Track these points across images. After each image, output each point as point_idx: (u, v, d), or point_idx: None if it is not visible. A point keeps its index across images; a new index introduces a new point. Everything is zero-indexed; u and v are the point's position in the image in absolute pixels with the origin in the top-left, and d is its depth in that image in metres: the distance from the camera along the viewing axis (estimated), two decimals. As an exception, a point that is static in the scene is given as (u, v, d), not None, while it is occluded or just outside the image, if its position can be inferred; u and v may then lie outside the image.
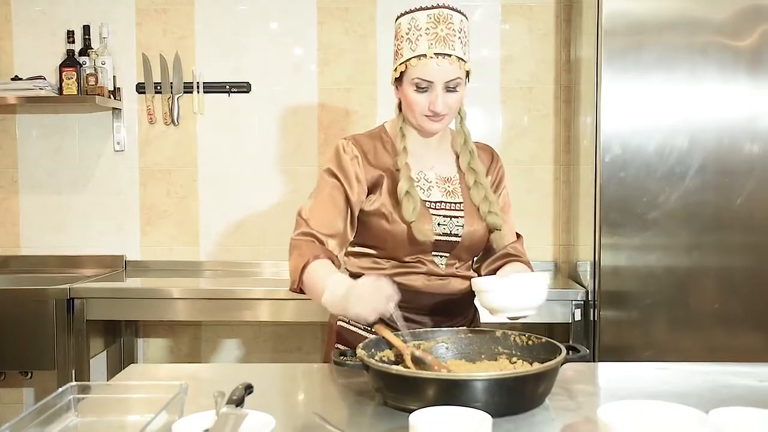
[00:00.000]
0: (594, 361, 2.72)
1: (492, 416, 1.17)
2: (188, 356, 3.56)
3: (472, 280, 1.68)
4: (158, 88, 3.43)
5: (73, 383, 1.35)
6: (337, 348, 1.82)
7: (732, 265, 2.77)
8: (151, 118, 3.45)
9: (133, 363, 3.35)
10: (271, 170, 3.47)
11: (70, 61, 3.30)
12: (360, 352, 1.48)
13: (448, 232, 1.82)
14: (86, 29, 3.38)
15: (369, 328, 1.80)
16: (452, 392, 1.31)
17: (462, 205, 1.85)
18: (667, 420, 1.18)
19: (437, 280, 1.83)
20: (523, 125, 3.44)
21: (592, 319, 2.85)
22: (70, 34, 3.35)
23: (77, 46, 3.36)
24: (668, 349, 2.77)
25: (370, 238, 1.85)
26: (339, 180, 1.81)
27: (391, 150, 1.86)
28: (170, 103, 3.43)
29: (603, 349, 2.79)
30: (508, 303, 1.60)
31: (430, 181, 1.86)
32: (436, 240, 1.80)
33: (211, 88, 3.44)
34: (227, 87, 3.44)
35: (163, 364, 3.39)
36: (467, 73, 1.80)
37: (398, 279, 1.79)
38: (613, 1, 2.74)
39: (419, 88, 1.76)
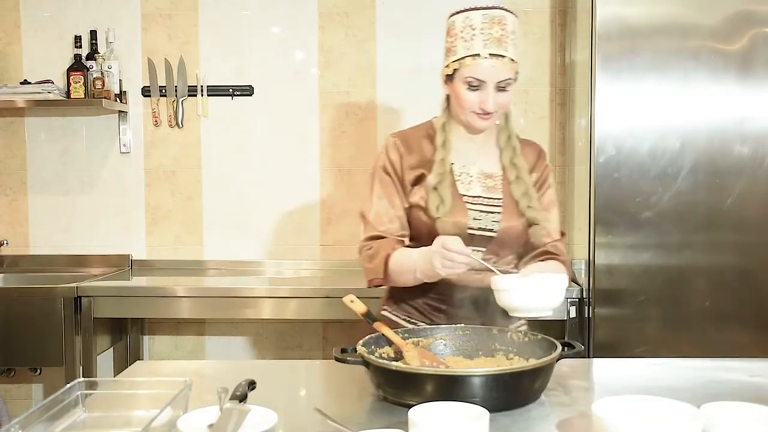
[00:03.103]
0: (588, 357, 2.73)
1: (489, 411, 1.18)
2: (192, 353, 3.59)
3: (491, 278, 1.65)
4: (163, 91, 3.46)
5: (81, 379, 1.37)
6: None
7: (722, 263, 2.77)
8: (156, 121, 3.48)
9: (139, 360, 3.42)
10: (273, 171, 3.49)
11: (77, 66, 3.32)
12: (360, 348, 1.50)
13: (484, 227, 1.81)
14: (93, 34, 3.39)
15: (409, 318, 1.88)
16: (450, 388, 1.33)
17: (501, 201, 1.85)
18: (660, 414, 1.19)
19: (473, 275, 1.80)
20: (520, 127, 3.39)
21: (586, 316, 2.86)
22: (78, 39, 3.38)
23: (84, 51, 3.38)
24: (661, 346, 2.77)
25: (410, 230, 1.88)
26: (391, 177, 1.85)
27: (434, 144, 1.88)
28: (175, 106, 3.46)
29: (597, 345, 2.80)
30: (523, 303, 1.59)
31: (472, 176, 1.86)
32: (470, 234, 1.80)
33: (214, 91, 3.47)
34: (230, 90, 3.47)
35: (168, 360, 3.37)
36: (516, 73, 1.82)
37: None
38: (607, 6, 2.74)
39: (471, 87, 1.77)
